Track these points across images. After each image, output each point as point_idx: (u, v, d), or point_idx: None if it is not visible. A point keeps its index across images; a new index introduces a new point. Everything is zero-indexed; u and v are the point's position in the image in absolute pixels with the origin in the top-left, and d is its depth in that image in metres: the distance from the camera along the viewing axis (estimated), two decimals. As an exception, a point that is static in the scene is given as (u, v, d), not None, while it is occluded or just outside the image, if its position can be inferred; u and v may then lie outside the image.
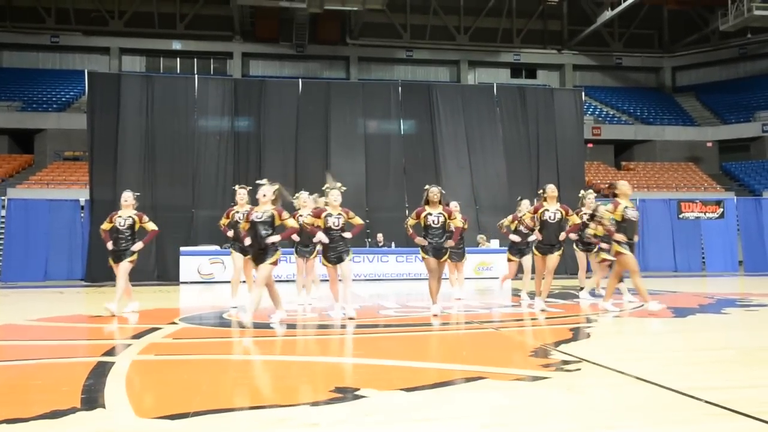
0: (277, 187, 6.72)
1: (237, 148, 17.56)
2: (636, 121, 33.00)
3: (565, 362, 4.25)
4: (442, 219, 7.55)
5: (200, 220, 16.99)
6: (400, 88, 19.08)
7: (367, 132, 18.65)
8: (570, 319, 6.94)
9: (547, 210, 8.07)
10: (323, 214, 7.37)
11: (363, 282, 15.22)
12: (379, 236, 16.91)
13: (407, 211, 18.01)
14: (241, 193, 8.48)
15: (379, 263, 16.26)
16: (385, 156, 18.51)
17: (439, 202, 7.62)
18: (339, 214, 7.42)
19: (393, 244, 17.09)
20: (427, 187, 7.74)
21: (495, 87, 19.68)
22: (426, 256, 7.53)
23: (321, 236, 7.28)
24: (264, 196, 6.61)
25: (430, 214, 7.53)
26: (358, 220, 7.50)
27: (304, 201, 9.09)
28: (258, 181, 6.83)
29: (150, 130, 16.97)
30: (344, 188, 7.63)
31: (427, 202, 7.61)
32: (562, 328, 6.23)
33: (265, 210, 6.58)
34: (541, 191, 8.37)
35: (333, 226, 7.35)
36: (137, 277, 15.94)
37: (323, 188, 7.80)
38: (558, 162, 19.02)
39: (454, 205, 9.30)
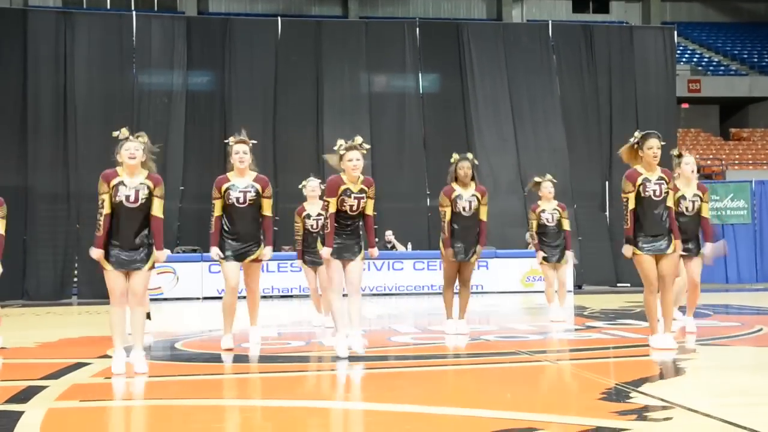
0: (143, 137, 6.04)
1: (192, 113, 17.57)
2: (752, 71, 32.71)
3: (651, 408, 4.24)
4: (475, 203, 7.58)
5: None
6: (418, 30, 19.00)
7: (373, 91, 18.59)
8: (657, 348, 6.90)
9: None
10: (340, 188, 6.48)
11: (368, 297, 15.22)
12: (389, 234, 16.88)
13: (428, 200, 18.01)
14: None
15: (390, 272, 16.25)
16: (398, 124, 18.46)
17: (473, 179, 7.62)
18: (361, 190, 6.57)
19: (409, 246, 17.08)
20: (455, 158, 7.73)
21: (550, 26, 19.56)
22: (449, 257, 7.63)
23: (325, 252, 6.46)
24: (132, 157, 5.81)
25: (460, 196, 7.57)
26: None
27: (312, 190, 8.81)
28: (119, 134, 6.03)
29: (71, 89, 17.00)
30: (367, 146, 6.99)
31: (456, 179, 7.61)
32: (646, 361, 6.21)
33: (138, 181, 5.83)
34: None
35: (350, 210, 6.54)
36: (53, 294, 16.12)
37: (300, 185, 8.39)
38: (640, 130, 18.89)
39: (548, 184, 9.42)
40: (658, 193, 6.58)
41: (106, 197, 5.75)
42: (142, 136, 6.03)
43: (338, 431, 4.10)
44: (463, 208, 7.51)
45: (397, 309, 12.79)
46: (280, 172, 17.19)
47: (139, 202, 5.76)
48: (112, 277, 5.77)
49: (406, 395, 5.00)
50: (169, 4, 32.82)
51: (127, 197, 5.73)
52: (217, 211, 6.94)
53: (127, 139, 5.92)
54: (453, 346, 7.45)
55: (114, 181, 5.76)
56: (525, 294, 15.80)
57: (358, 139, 6.71)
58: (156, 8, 32.40)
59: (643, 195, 6.56)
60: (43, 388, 5.22)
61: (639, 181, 6.59)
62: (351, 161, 6.52)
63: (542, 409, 4.39)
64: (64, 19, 17.62)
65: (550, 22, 20.24)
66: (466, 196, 7.55)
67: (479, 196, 7.59)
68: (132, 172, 5.82)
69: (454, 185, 7.62)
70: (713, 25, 35.71)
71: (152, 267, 5.90)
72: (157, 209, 5.86)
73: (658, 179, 6.65)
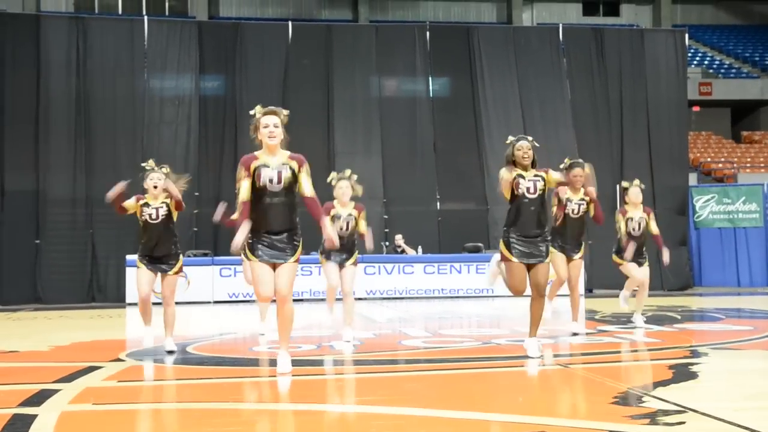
0: (167, 170, 7.34)
1: (203, 117, 17.63)
2: (763, 74, 32.58)
3: (664, 412, 4.22)
4: (540, 185, 6.45)
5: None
6: (428, 34, 19.02)
7: (384, 95, 18.61)
8: (669, 352, 6.89)
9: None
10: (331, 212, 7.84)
11: (378, 301, 15.21)
12: (398, 239, 16.89)
13: (438, 204, 18.02)
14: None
15: (400, 275, 16.25)
16: (409, 128, 18.45)
17: (533, 165, 6.55)
18: (349, 214, 7.94)
19: (420, 250, 17.07)
20: (510, 139, 6.69)
21: (561, 29, 19.53)
22: (510, 257, 6.43)
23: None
24: (155, 187, 7.17)
25: (522, 176, 6.45)
26: (363, 226, 8.04)
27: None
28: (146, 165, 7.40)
29: (83, 94, 17.08)
30: (355, 176, 8.06)
31: (513, 164, 6.55)
32: (659, 365, 6.19)
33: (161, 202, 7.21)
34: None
35: (340, 231, 7.71)
36: (67, 296, 16.18)
37: (329, 179, 8.12)
38: (650, 133, 18.84)
39: (636, 190, 9.04)
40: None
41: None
42: (165, 167, 7.34)
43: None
44: (527, 189, 6.37)
45: (407, 313, 12.79)
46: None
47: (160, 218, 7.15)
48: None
49: (416, 399, 5.00)
50: (180, 9, 32.95)
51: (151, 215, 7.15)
52: (245, 195, 5.70)
53: (152, 170, 7.23)
54: (464, 350, 7.44)
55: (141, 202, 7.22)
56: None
57: (347, 172, 8.08)
58: (167, 13, 32.53)
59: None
60: (56, 391, 5.25)
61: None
62: (341, 189, 7.91)
63: (554, 412, 4.38)
64: (76, 24, 17.69)
65: (560, 25, 20.21)
66: (529, 176, 6.44)
67: (544, 178, 6.50)
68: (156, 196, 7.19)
69: (515, 169, 6.51)
70: (724, 28, 35.59)
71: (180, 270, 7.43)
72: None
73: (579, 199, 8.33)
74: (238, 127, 17.36)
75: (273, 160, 5.77)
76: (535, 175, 6.50)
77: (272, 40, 18.30)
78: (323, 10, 33.20)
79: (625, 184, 9.54)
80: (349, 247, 8.04)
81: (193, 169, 17.08)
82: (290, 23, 18.85)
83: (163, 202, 7.18)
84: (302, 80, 18.05)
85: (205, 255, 16.01)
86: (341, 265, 8.06)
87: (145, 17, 18.95)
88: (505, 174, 6.44)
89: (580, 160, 8.28)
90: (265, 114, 5.91)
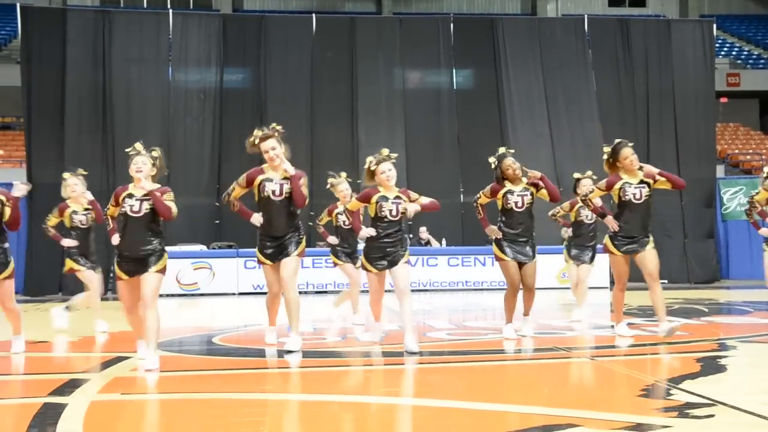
0: (157, 154, 6.15)
1: (227, 110, 17.71)
2: (792, 65, 32.21)
3: (692, 405, 4.21)
4: (528, 198, 7.03)
5: (178, 210, 17.20)
6: (452, 26, 18.97)
7: (407, 87, 18.60)
8: (697, 345, 6.85)
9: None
10: (375, 197, 6.61)
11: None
12: (423, 231, 16.89)
13: (462, 196, 17.98)
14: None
15: (424, 268, 16.26)
16: (433, 120, 18.44)
17: (524, 174, 7.07)
18: (397, 196, 6.65)
19: (444, 242, 17.07)
20: (494, 160, 7.16)
21: (586, 20, 19.41)
22: (503, 257, 7.09)
23: (367, 231, 6.63)
24: (140, 171, 5.90)
25: (511, 192, 7.03)
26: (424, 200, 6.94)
27: (343, 191, 8.72)
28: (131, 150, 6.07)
29: (108, 87, 17.22)
30: (395, 155, 6.83)
31: (502, 179, 7.10)
32: (686, 358, 6.16)
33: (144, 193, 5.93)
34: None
35: (389, 214, 6.59)
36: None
37: (366, 164, 6.77)
38: (677, 125, 18.67)
39: (587, 182, 8.32)
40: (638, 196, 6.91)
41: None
42: (155, 150, 6.21)
43: (374, 426, 4.12)
44: (516, 204, 6.99)
45: (431, 305, 12.80)
46: (315, 168, 17.25)
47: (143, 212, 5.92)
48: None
49: (442, 391, 5.00)
50: (205, 2, 33.06)
51: (133, 207, 5.89)
52: (236, 195, 6.57)
53: (138, 153, 5.99)
54: (488, 342, 7.43)
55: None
56: (560, 290, 15.71)
57: (385, 151, 6.73)
58: (192, 6, 32.67)
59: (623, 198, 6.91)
60: (85, 381, 5.31)
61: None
62: (384, 173, 6.60)
63: (581, 405, 4.37)
64: (102, 18, 17.85)
65: (585, 16, 20.09)
66: (518, 190, 7.03)
67: (534, 190, 7.03)
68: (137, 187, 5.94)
69: (506, 184, 7.08)
70: (753, 18, 35.17)
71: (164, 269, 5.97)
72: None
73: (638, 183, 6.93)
74: (262, 120, 17.40)
75: (276, 175, 6.49)
76: (524, 189, 7.06)
77: (296, 33, 18.34)
78: (347, 3, 33.18)
79: (576, 174, 8.96)
80: (399, 238, 6.68)
81: (216, 162, 17.24)
82: (314, 16, 18.88)
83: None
84: (326, 73, 18.10)
85: (230, 247, 16.12)
86: (392, 265, 6.64)
87: (170, 10, 19.08)
88: (481, 198, 7.24)
89: (620, 140, 7.06)
90: (262, 140, 6.55)
